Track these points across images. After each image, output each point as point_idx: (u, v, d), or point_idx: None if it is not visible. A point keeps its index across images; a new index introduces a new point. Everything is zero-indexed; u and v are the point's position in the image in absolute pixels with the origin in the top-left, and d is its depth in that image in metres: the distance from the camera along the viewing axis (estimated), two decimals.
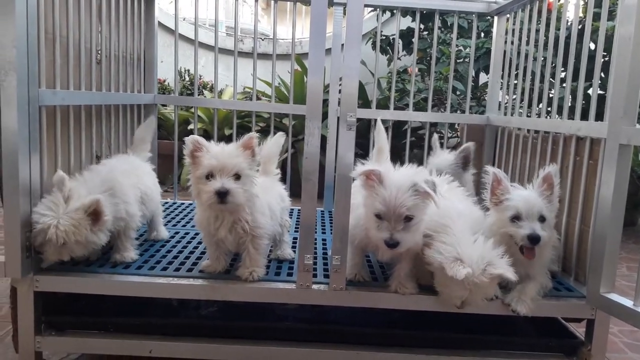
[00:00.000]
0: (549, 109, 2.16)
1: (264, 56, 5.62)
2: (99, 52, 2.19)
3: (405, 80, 4.61)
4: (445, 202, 1.62)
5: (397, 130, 4.08)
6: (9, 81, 1.50)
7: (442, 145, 2.53)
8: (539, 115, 2.28)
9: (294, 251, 2.00)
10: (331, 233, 1.85)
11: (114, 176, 1.82)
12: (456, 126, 4.50)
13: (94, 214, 1.63)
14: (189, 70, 5.75)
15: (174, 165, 3.01)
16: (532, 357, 1.79)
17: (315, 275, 1.78)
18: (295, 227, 2.38)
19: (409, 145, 3.10)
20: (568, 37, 2.06)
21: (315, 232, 2.06)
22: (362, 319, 1.88)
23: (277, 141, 1.98)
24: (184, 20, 6.08)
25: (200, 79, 5.61)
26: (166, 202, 2.84)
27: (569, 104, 2.04)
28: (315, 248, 2.12)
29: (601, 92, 2.75)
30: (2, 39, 1.49)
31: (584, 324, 1.79)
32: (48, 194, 1.66)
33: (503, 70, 2.81)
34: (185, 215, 2.63)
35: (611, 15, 2.84)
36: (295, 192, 2.26)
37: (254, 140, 1.64)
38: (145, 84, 2.82)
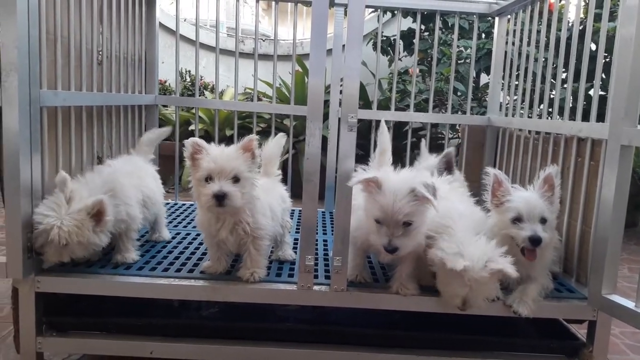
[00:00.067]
0: (550, 110, 2.16)
1: (265, 57, 5.62)
2: (100, 52, 2.19)
3: (406, 81, 4.61)
4: (446, 203, 1.62)
5: (397, 131, 4.08)
6: (11, 82, 1.50)
7: (437, 147, 2.52)
8: (540, 116, 2.28)
9: (295, 252, 2.00)
10: (332, 234, 1.85)
11: (116, 177, 1.82)
12: (457, 127, 4.50)
13: (97, 215, 1.64)
14: (190, 71, 5.75)
15: (175, 166, 3.02)
16: (534, 358, 1.79)
17: (316, 277, 1.78)
18: (296, 228, 2.38)
19: (409, 146, 3.09)
20: (569, 38, 2.06)
21: (316, 233, 2.06)
22: (363, 320, 1.87)
23: (278, 142, 1.98)
24: (184, 21, 6.09)
25: (201, 79, 5.61)
26: (167, 203, 2.84)
27: (570, 105, 2.03)
28: (316, 249, 2.12)
29: (602, 93, 2.75)
30: (4, 40, 1.49)
31: (586, 326, 1.79)
32: (49, 194, 1.66)
33: (504, 71, 2.81)
34: (187, 216, 2.63)
35: (612, 16, 2.84)
36: (296, 193, 2.25)
37: (254, 143, 1.64)
38: (146, 84, 2.82)
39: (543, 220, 1.64)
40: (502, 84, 2.86)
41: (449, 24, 4.53)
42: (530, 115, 2.40)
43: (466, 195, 2.00)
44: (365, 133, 3.48)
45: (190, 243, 2.14)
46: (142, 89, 2.76)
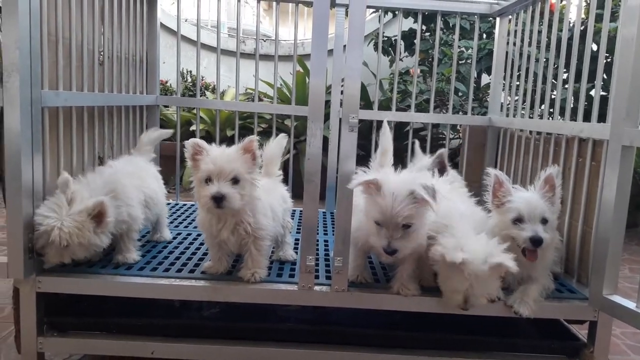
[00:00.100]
0: (551, 110, 2.16)
1: (266, 57, 5.62)
2: (102, 53, 2.19)
3: (407, 81, 4.61)
4: (447, 203, 1.62)
5: (398, 131, 4.08)
6: (12, 82, 1.50)
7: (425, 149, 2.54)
8: (541, 116, 2.28)
9: (296, 252, 2.00)
10: (333, 234, 1.85)
11: (117, 178, 1.82)
12: (458, 127, 4.50)
13: (97, 216, 1.64)
14: (191, 72, 5.76)
15: (176, 167, 3.02)
16: (535, 359, 1.79)
17: (317, 277, 1.78)
18: (297, 229, 2.38)
19: (411, 147, 3.09)
20: (570, 39, 2.06)
21: (317, 234, 2.06)
22: (364, 321, 1.87)
23: (279, 142, 1.98)
24: (186, 21, 6.10)
25: (202, 80, 5.62)
26: (168, 203, 2.83)
27: (572, 106, 2.03)
28: (317, 249, 2.12)
29: (604, 93, 2.75)
30: (6, 41, 1.49)
31: (587, 326, 1.79)
32: (50, 195, 1.66)
33: (505, 72, 2.81)
34: (188, 217, 2.64)
35: (613, 17, 2.84)
36: (297, 194, 2.25)
37: (254, 143, 1.64)
38: (147, 85, 2.83)
39: (544, 221, 1.64)
40: (503, 84, 2.86)
41: (450, 25, 4.53)
42: (531, 115, 2.40)
43: (467, 195, 2.00)
44: (366, 133, 3.49)
45: (191, 243, 2.15)
46: (143, 89, 2.77)
